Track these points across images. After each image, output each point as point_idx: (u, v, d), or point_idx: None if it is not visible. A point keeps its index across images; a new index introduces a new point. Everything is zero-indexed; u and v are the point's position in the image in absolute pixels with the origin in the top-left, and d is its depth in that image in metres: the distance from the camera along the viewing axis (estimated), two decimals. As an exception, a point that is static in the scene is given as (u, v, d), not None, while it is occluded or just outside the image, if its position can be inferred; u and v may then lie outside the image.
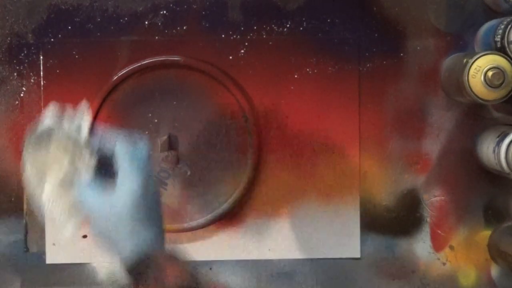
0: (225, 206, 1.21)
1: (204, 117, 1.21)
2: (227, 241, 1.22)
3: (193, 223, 1.21)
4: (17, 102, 1.21)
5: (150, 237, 0.92)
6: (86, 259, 1.22)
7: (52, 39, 1.20)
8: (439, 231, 1.24)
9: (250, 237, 1.22)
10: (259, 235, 1.23)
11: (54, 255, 1.22)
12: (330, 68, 1.22)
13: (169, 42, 1.20)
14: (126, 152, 0.94)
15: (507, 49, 1.11)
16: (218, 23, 1.21)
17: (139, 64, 1.20)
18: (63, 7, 1.20)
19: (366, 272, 1.23)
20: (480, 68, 1.10)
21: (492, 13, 1.20)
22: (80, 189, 0.95)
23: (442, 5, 1.22)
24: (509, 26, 1.11)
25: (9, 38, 1.21)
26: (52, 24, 1.20)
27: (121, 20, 1.20)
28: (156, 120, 1.21)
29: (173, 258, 0.91)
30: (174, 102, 1.21)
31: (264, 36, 1.21)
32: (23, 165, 0.98)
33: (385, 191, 1.23)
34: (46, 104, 1.20)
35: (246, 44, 1.21)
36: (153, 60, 1.20)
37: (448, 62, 1.21)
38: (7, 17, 1.20)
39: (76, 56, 1.20)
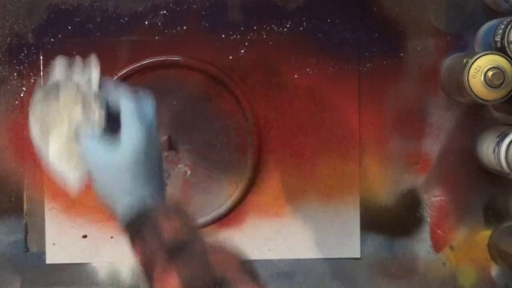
0: (225, 206, 1.21)
1: (204, 117, 1.21)
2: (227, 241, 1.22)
3: (193, 223, 1.22)
4: (17, 102, 1.21)
5: (150, 193, 0.92)
6: (86, 259, 1.22)
7: (52, 39, 1.20)
8: (439, 231, 1.24)
9: (250, 237, 1.22)
10: (259, 235, 1.23)
11: (54, 255, 1.22)
12: (330, 68, 1.22)
13: (169, 42, 1.20)
14: (131, 107, 0.94)
15: (507, 49, 1.11)
16: (218, 23, 1.21)
17: (139, 64, 1.20)
18: (63, 7, 1.20)
19: (366, 272, 1.23)
20: (480, 68, 1.10)
21: (492, 13, 1.20)
22: (84, 142, 0.95)
23: (442, 5, 1.22)
24: (509, 26, 1.11)
25: (9, 38, 1.21)
26: (52, 24, 1.20)
27: (121, 20, 1.20)
28: (156, 120, 1.21)
29: (170, 214, 0.91)
30: (174, 102, 1.21)
31: (264, 36, 1.21)
32: (30, 119, 0.98)
33: (385, 191, 1.23)
34: (46, 104, 1.20)
35: (246, 44, 1.21)
36: (153, 60, 1.20)
37: (448, 62, 1.21)
38: (7, 17, 1.20)
39: (76, 56, 1.20)
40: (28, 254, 1.22)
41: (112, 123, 0.95)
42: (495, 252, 1.23)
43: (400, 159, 1.23)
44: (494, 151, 1.14)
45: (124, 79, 1.20)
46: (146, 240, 0.89)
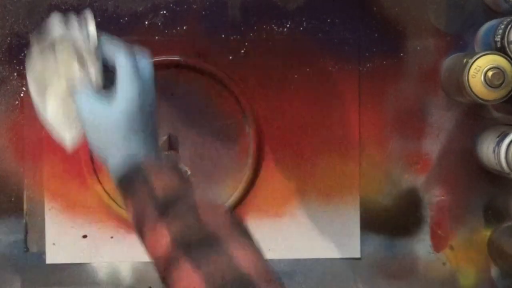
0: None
1: (204, 117, 1.21)
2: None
3: (193, 223, 1.21)
4: (17, 102, 1.21)
5: (143, 149, 0.93)
6: (86, 259, 1.22)
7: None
8: (439, 231, 1.24)
9: (250, 237, 1.22)
10: (259, 235, 1.23)
11: (54, 255, 1.22)
12: (330, 68, 1.22)
13: (169, 42, 1.20)
14: (127, 63, 0.95)
15: (507, 49, 1.11)
16: (218, 23, 1.21)
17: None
18: (63, 7, 1.20)
19: (366, 272, 1.23)
20: (480, 68, 1.10)
21: (492, 13, 1.20)
22: (80, 97, 0.95)
23: (442, 5, 1.22)
24: (509, 26, 1.11)
25: (9, 38, 1.20)
26: (52, 24, 1.20)
27: (121, 20, 1.20)
28: (156, 120, 1.21)
29: (163, 170, 0.91)
30: (174, 102, 1.21)
31: (264, 36, 1.21)
32: (27, 75, 0.98)
33: (385, 191, 1.23)
34: (46, 104, 1.20)
35: (246, 44, 1.21)
36: (153, 60, 1.20)
37: (448, 62, 1.21)
38: (7, 17, 1.20)
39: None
40: (28, 254, 1.22)
41: (108, 79, 0.95)
42: (495, 252, 1.23)
43: (400, 159, 1.23)
44: (494, 151, 1.14)
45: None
46: (138, 195, 0.89)
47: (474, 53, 1.13)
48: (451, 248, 1.24)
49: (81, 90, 0.95)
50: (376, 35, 1.22)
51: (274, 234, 1.22)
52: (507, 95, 1.11)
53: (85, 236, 1.22)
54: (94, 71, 0.95)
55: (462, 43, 1.22)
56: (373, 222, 1.23)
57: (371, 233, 1.23)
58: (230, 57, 1.21)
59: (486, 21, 1.19)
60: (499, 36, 1.13)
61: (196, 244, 0.83)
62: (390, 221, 1.23)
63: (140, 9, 1.21)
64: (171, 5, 1.21)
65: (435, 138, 1.23)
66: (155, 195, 0.88)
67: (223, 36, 1.21)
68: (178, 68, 1.20)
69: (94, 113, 0.94)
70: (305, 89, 1.21)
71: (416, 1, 1.22)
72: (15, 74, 1.21)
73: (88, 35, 0.96)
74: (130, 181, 0.91)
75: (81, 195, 1.21)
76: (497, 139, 1.14)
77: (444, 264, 1.24)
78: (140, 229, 0.89)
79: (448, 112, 1.23)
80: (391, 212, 1.23)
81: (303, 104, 1.22)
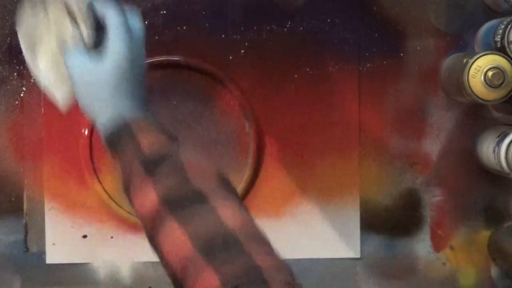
0: (225, 206, 1.21)
1: (204, 117, 1.21)
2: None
3: (193, 223, 1.21)
4: (17, 102, 1.21)
5: (131, 107, 0.93)
6: (86, 259, 1.22)
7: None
8: (439, 231, 1.24)
9: (250, 237, 1.22)
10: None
11: (54, 255, 1.22)
12: (330, 68, 1.22)
13: (169, 42, 1.20)
14: (117, 21, 0.94)
15: (507, 49, 1.11)
16: (218, 23, 1.21)
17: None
18: (63, 7, 1.20)
19: (366, 272, 1.23)
20: (480, 68, 1.10)
21: (492, 13, 1.20)
22: (70, 55, 0.95)
23: (442, 5, 1.22)
24: (509, 26, 1.11)
25: (9, 38, 1.20)
26: (52, 24, 1.20)
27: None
28: (156, 120, 1.21)
29: (150, 128, 0.91)
30: (174, 102, 1.21)
31: (264, 36, 1.21)
32: (18, 33, 0.98)
33: (385, 191, 1.23)
34: (46, 104, 1.20)
35: (246, 44, 1.21)
36: (153, 60, 1.20)
37: (448, 62, 1.21)
38: (7, 17, 1.20)
39: None
40: (28, 254, 1.22)
41: (99, 38, 0.95)
42: (495, 252, 1.23)
43: (400, 159, 1.23)
44: (494, 151, 1.14)
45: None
46: (125, 154, 0.89)
47: (474, 53, 1.13)
48: (451, 248, 1.24)
49: (71, 47, 0.95)
50: (376, 35, 1.22)
51: (274, 234, 1.22)
52: (507, 95, 1.11)
53: (85, 236, 1.22)
54: (85, 29, 0.95)
55: (462, 43, 1.22)
56: (373, 222, 1.23)
57: (371, 233, 1.23)
58: (230, 57, 1.21)
59: (486, 21, 1.19)
60: (499, 36, 1.13)
61: (183, 202, 0.82)
62: (390, 221, 1.23)
63: (140, 9, 1.20)
64: (171, 5, 1.21)
65: (435, 138, 1.23)
66: (142, 153, 0.88)
67: (223, 36, 1.21)
68: (178, 68, 1.20)
69: (84, 70, 0.94)
70: (305, 89, 1.21)
71: (416, 1, 1.22)
72: (15, 74, 1.21)
73: None
74: (117, 140, 0.91)
75: (81, 195, 1.21)
76: (497, 139, 1.14)
77: (444, 264, 1.24)
78: (127, 188, 0.89)
79: (448, 112, 1.23)
80: (391, 212, 1.23)
81: (303, 104, 1.22)
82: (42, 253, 1.22)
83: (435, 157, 1.23)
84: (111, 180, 1.20)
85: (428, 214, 1.23)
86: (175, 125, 1.21)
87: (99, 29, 0.96)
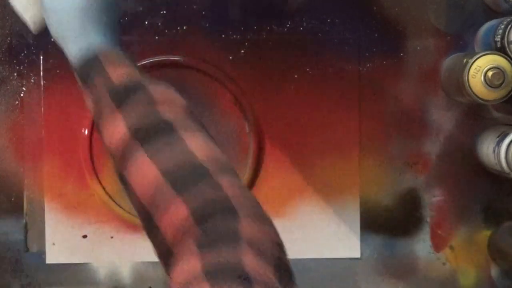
0: (225, 206, 1.21)
1: (204, 117, 1.21)
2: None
3: (193, 223, 1.21)
4: (17, 102, 1.21)
5: (100, 38, 0.92)
6: (86, 259, 1.22)
7: (52, 39, 1.20)
8: (439, 231, 1.24)
9: (250, 237, 1.22)
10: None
11: (54, 255, 1.22)
12: (330, 68, 1.22)
13: (169, 42, 1.20)
14: None
15: (507, 49, 1.11)
16: (218, 23, 1.21)
17: (139, 64, 1.20)
18: (63, 7, 1.20)
19: (366, 272, 1.23)
20: (480, 68, 1.10)
21: (492, 13, 1.20)
22: None
23: (442, 5, 1.22)
24: (509, 26, 1.11)
25: (9, 38, 1.20)
26: (52, 24, 1.20)
27: (121, 20, 1.20)
28: (156, 120, 1.21)
29: (119, 59, 0.90)
30: (174, 102, 1.21)
31: (264, 36, 1.21)
32: None
33: (385, 191, 1.23)
34: (46, 104, 1.20)
35: (246, 44, 1.21)
36: (153, 60, 1.20)
37: (448, 62, 1.21)
38: (7, 17, 1.20)
39: None
40: (28, 254, 1.22)
41: None
42: (495, 252, 1.23)
43: (400, 159, 1.23)
44: (494, 151, 1.14)
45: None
46: (95, 86, 0.88)
47: (474, 53, 1.13)
48: (451, 248, 1.24)
49: None
50: (376, 35, 1.22)
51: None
52: (507, 95, 1.11)
53: (85, 236, 1.22)
54: None
55: (462, 43, 1.22)
56: (373, 222, 1.23)
57: (371, 233, 1.23)
58: (230, 57, 1.21)
59: (486, 21, 1.19)
60: (499, 36, 1.13)
61: (151, 132, 0.82)
62: (390, 221, 1.23)
63: (140, 9, 1.21)
64: (171, 5, 1.21)
65: (435, 138, 1.23)
66: (111, 84, 0.87)
67: (223, 36, 1.21)
68: (178, 68, 1.20)
69: None
70: (305, 89, 1.21)
71: (416, 1, 1.22)
72: (15, 74, 1.21)
73: None
74: (87, 71, 0.90)
75: (81, 195, 1.21)
76: (497, 139, 1.14)
77: (444, 264, 1.24)
78: (98, 121, 0.88)
79: (448, 112, 1.23)
80: (391, 212, 1.23)
81: (303, 104, 1.22)
82: (42, 253, 1.22)
83: (435, 157, 1.23)
84: (111, 180, 1.20)
85: (428, 214, 1.23)
86: (175, 125, 1.21)
87: None
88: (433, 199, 1.23)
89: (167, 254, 0.76)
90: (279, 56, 1.21)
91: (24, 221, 1.22)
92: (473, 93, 1.11)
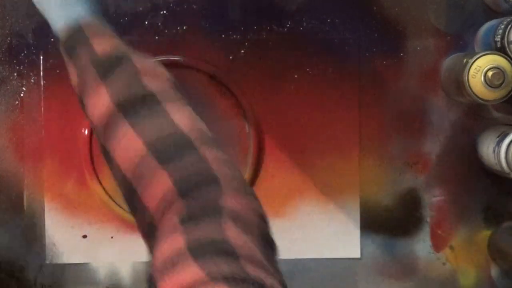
0: (225, 206, 1.21)
1: (204, 117, 1.21)
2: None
3: (193, 223, 1.21)
4: (17, 102, 1.21)
5: (84, 9, 0.92)
6: (86, 259, 1.22)
7: (52, 39, 1.20)
8: (439, 231, 1.24)
9: (250, 237, 1.22)
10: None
11: (54, 255, 1.22)
12: (330, 68, 1.22)
13: (169, 42, 1.20)
14: None
15: (507, 49, 1.11)
16: (218, 23, 1.21)
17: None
18: (63, 7, 1.20)
19: (366, 272, 1.23)
20: (480, 68, 1.10)
21: (492, 13, 1.20)
22: None
23: (442, 5, 1.22)
24: (509, 26, 1.11)
25: (9, 38, 1.21)
26: (52, 24, 1.20)
27: (121, 20, 1.20)
28: (156, 120, 1.21)
29: (104, 31, 0.90)
30: (174, 102, 1.21)
31: (264, 36, 1.21)
32: None
33: (385, 191, 1.23)
34: (46, 104, 1.20)
35: (246, 44, 1.21)
36: (153, 60, 1.20)
37: (448, 62, 1.21)
38: (7, 17, 1.20)
39: None
40: (28, 254, 1.22)
41: None
42: (495, 252, 1.23)
43: (400, 159, 1.23)
44: (494, 151, 1.14)
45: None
46: (80, 58, 0.88)
47: (474, 53, 1.13)
48: (451, 248, 1.24)
49: None
50: (376, 35, 1.22)
51: (274, 234, 1.22)
52: (507, 95, 1.11)
53: (85, 236, 1.22)
54: None
55: (462, 43, 1.22)
56: (373, 222, 1.23)
57: (371, 233, 1.23)
58: (230, 57, 1.21)
59: (486, 21, 1.19)
60: (499, 36, 1.13)
61: (135, 104, 0.81)
62: (390, 221, 1.23)
63: (140, 9, 1.21)
64: (171, 5, 1.21)
65: (435, 138, 1.23)
66: (95, 56, 0.87)
67: (223, 36, 1.21)
68: (178, 68, 1.20)
69: None
70: (305, 89, 1.22)
71: (416, 1, 1.22)
72: (15, 74, 1.21)
73: None
74: (72, 44, 0.90)
75: (81, 195, 1.21)
76: (497, 139, 1.15)
77: (444, 264, 1.24)
78: (81, 93, 0.87)
79: (448, 112, 1.23)
80: (391, 212, 1.23)
81: (303, 104, 1.22)
82: (42, 253, 1.22)
83: (435, 157, 1.23)
84: (111, 180, 1.20)
85: (428, 214, 1.23)
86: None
87: None
88: (433, 199, 1.23)
89: (149, 230, 0.76)
90: (279, 56, 1.21)
91: (24, 221, 1.22)
92: (473, 93, 1.11)
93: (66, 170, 1.21)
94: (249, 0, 1.21)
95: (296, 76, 1.22)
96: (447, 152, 1.23)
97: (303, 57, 1.21)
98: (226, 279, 0.65)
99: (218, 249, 0.68)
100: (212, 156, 0.78)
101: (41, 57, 1.20)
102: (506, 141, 1.12)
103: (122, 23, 1.21)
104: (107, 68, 0.85)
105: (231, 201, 0.74)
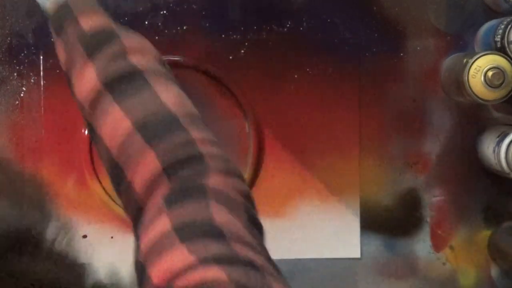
0: (225, 206, 1.21)
1: (204, 117, 1.21)
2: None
3: (193, 223, 1.21)
4: (17, 102, 1.21)
5: None
6: (86, 259, 1.22)
7: (52, 39, 1.20)
8: (439, 231, 1.24)
9: (250, 237, 1.22)
10: (259, 235, 1.23)
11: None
12: (330, 68, 1.22)
13: (169, 42, 1.20)
14: None
15: (507, 49, 1.11)
16: (218, 23, 1.21)
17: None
18: (63, 7, 1.20)
19: (366, 272, 1.23)
20: (480, 68, 1.10)
21: (492, 13, 1.20)
22: None
23: (442, 5, 1.22)
24: (509, 26, 1.11)
25: (9, 38, 1.20)
26: (52, 24, 1.20)
27: (121, 20, 1.20)
28: (156, 120, 1.21)
29: (92, 7, 0.89)
30: (174, 102, 1.21)
31: (264, 36, 1.21)
32: None
33: (385, 191, 1.23)
34: (46, 104, 1.20)
35: (246, 44, 1.21)
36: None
37: (448, 62, 1.21)
38: (7, 17, 1.20)
39: None
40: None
41: None
42: (495, 252, 1.23)
43: (400, 159, 1.23)
44: (494, 151, 1.14)
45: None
46: (68, 35, 0.87)
47: (474, 53, 1.13)
48: (451, 248, 1.24)
49: None
50: (376, 35, 1.22)
51: (274, 234, 1.22)
52: (507, 95, 1.11)
53: (85, 236, 1.22)
54: None
55: (462, 43, 1.22)
56: (373, 222, 1.23)
57: (371, 233, 1.23)
58: (230, 57, 1.21)
59: (486, 21, 1.19)
60: (499, 36, 1.13)
61: (123, 83, 0.81)
62: (390, 221, 1.23)
63: (140, 9, 1.21)
64: (171, 5, 1.21)
65: (435, 138, 1.23)
66: (83, 34, 0.86)
67: (223, 36, 1.21)
68: (178, 68, 1.20)
69: None
70: (305, 89, 1.21)
71: (416, 1, 1.22)
72: (15, 74, 1.21)
73: None
74: (59, 21, 0.89)
75: (81, 195, 1.21)
76: (497, 139, 1.14)
77: (444, 264, 1.24)
78: (68, 70, 0.87)
79: (448, 112, 1.23)
80: (391, 212, 1.23)
81: (303, 104, 1.22)
82: (42, 253, 1.22)
83: (435, 157, 1.23)
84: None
85: (428, 214, 1.23)
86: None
87: None
88: (433, 199, 1.23)
89: (137, 212, 0.75)
90: (279, 56, 1.21)
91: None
92: (473, 93, 1.11)
93: (66, 170, 1.21)
94: (249, 0, 1.21)
95: (296, 76, 1.21)
96: (447, 152, 1.23)
97: (303, 57, 1.21)
98: (216, 260, 0.65)
99: (205, 230, 0.68)
100: (199, 136, 0.77)
101: (41, 57, 1.20)
102: (506, 141, 1.12)
103: (122, 23, 1.20)
104: (94, 45, 0.85)
105: (216, 182, 0.73)
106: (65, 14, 0.89)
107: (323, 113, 1.22)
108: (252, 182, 1.21)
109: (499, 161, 1.13)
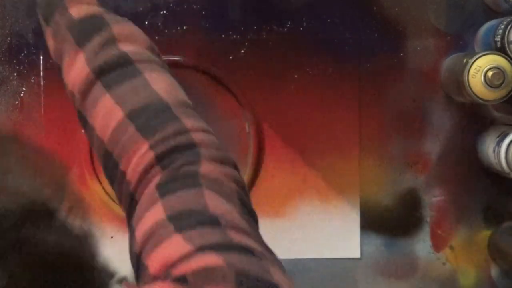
0: (225, 206, 1.21)
1: (204, 117, 1.21)
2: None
3: (193, 223, 1.21)
4: (17, 102, 1.21)
5: None
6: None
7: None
8: (439, 231, 1.24)
9: (250, 237, 1.22)
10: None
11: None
12: (330, 68, 1.22)
13: (169, 42, 1.20)
14: None
15: (507, 49, 1.11)
16: (218, 23, 1.21)
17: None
18: (63, 7, 1.20)
19: (366, 272, 1.23)
20: (480, 68, 1.10)
21: (492, 13, 1.20)
22: None
23: (442, 5, 1.22)
24: (509, 26, 1.11)
25: (9, 38, 1.20)
26: (52, 24, 1.20)
27: (121, 20, 1.20)
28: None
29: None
30: (174, 102, 1.21)
31: (264, 36, 1.21)
32: None
33: (385, 191, 1.23)
34: (46, 104, 1.20)
35: (246, 44, 1.21)
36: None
37: (448, 62, 1.21)
38: (7, 17, 1.20)
39: None
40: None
41: None
42: (495, 252, 1.23)
43: (400, 159, 1.23)
44: (494, 151, 1.14)
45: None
46: (56, 22, 0.87)
47: (474, 53, 1.13)
48: (451, 248, 1.24)
49: None
50: (376, 35, 1.22)
51: (274, 234, 1.22)
52: (507, 95, 1.11)
53: (85, 236, 1.22)
54: None
55: (462, 43, 1.22)
56: (373, 222, 1.23)
57: (371, 233, 1.23)
58: (230, 57, 1.21)
59: (486, 21, 1.19)
60: (499, 36, 1.13)
61: (114, 71, 0.80)
62: (390, 221, 1.23)
63: (140, 9, 1.21)
64: (171, 5, 1.21)
65: (435, 138, 1.23)
66: (72, 22, 0.85)
67: (223, 36, 1.21)
68: (178, 68, 1.20)
69: None
70: (305, 89, 1.21)
71: (416, 1, 1.22)
72: (15, 74, 1.21)
73: None
74: (48, 9, 0.88)
75: (81, 195, 1.21)
76: (497, 139, 1.15)
77: (444, 264, 1.24)
78: (58, 59, 0.86)
79: (448, 112, 1.23)
80: (391, 212, 1.23)
81: (303, 104, 1.22)
82: (42, 253, 1.22)
83: (435, 157, 1.23)
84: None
85: (428, 214, 1.23)
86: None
87: None
88: (433, 199, 1.23)
89: (130, 202, 0.75)
90: (279, 56, 1.21)
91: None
92: (473, 93, 1.11)
93: (66, 170, 1.21)
94: (249, 0, 1.21)
95: (296, 76, 1.22)
96: (447, 152, 1.23)
97: (303, 57, 1.21)
98: (213, 247, 0.65)
99: (200, 219, 0.68)
100: (191, 124, 0.77)
101: (41, 57, 1.20)
102: (506, 141, 1.12)
103: (122, 23, 1.20)
104: (84, 34, 0.84)
105: (209, 169, 0.73)
106: (54, 1, 0.88)
107: (323, 113, 1.22)
108: (252, 182, 1.21)
109: (499, 161, 1.13)
